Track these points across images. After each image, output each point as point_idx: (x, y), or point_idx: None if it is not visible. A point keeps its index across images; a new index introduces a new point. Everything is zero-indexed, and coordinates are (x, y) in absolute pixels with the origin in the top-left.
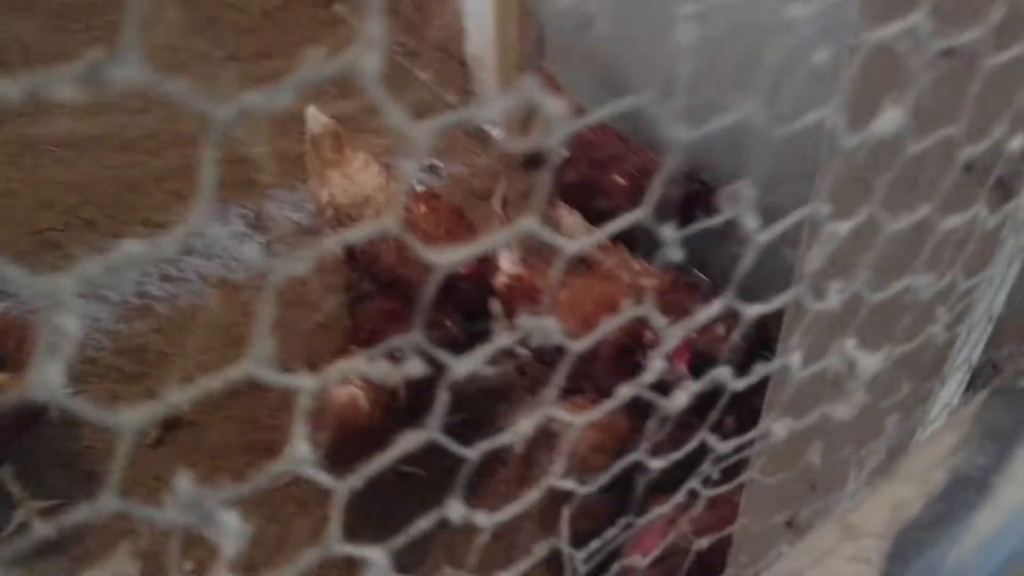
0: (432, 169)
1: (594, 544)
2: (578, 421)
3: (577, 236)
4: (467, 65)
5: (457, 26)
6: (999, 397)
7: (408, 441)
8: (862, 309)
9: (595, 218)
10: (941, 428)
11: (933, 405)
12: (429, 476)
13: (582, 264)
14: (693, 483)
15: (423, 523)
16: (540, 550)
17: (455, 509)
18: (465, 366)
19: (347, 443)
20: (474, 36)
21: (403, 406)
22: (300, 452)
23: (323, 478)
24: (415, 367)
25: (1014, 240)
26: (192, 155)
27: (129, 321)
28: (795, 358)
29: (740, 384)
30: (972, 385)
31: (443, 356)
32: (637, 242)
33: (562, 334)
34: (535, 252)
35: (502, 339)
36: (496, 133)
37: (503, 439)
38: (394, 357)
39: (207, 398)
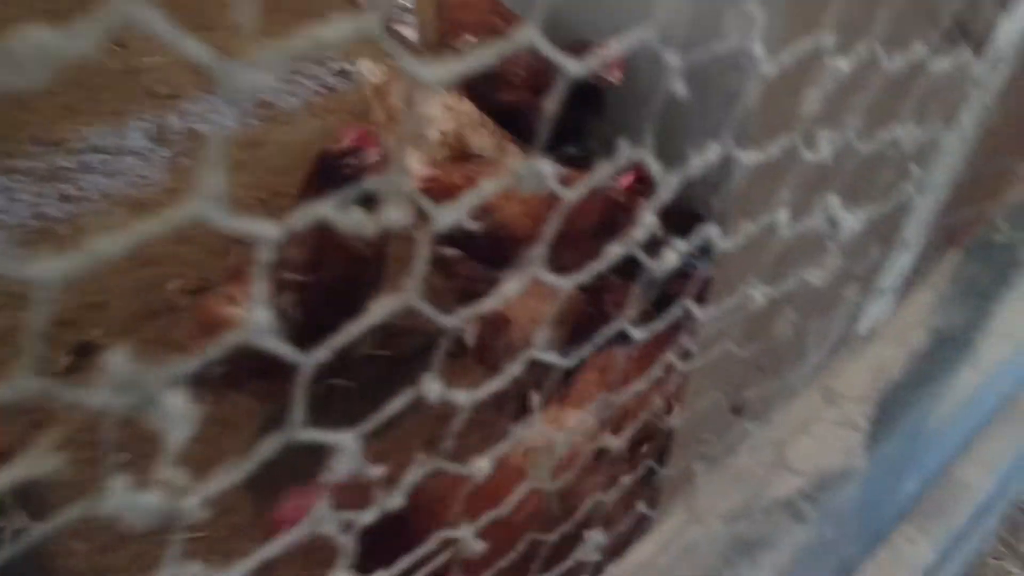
0: (343, 73)
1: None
2: (563, 283)
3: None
4: None
5: None
6: (974, 254)
7: (390, 303)
8: (846, 163)
9: (497, 110)
10: (918, 288)
11: (888, 274)
12: (359, 389)
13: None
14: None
15: (397, 403)
16: (514, 433)
17: (432, 388)
18: (449, 216)
19: (238, 364)
20: None
21: (295, 330)
22: (260, 319)
23: (284, 350)
24: (396, 214)
25: (978, 95)
26: (84, 69)
27: (29, 245)
28: (782, 214)
29: (728, 245)
30: (926, 252)
31: (425, 203)
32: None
33: (554, 179)
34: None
35: (489, 186)
36: (408, 32)
37: (488, 304)
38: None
39: (119, 322)
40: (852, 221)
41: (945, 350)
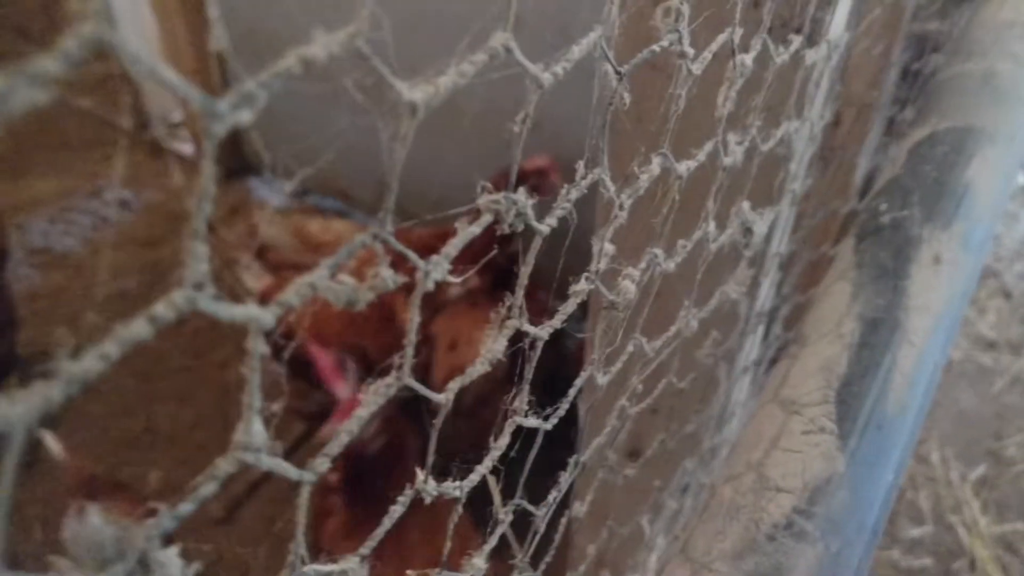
0: (124, 204)
1: None
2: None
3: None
4: (134, 81)
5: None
6: (867, 240)
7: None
8: (754, 162)
9: None
10: (829, 282)
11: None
12: None
13: None
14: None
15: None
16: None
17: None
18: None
19: None
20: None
21: None
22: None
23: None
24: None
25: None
26: None
27: None
28: (711, 226)
29: (671, 264)
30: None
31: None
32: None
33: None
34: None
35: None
36: (186, 149)
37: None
38: None
39: None
40: (761, 225)
41: (879, 334)
